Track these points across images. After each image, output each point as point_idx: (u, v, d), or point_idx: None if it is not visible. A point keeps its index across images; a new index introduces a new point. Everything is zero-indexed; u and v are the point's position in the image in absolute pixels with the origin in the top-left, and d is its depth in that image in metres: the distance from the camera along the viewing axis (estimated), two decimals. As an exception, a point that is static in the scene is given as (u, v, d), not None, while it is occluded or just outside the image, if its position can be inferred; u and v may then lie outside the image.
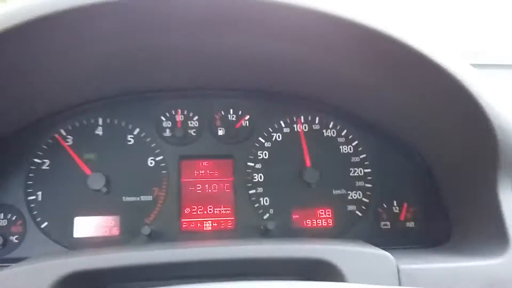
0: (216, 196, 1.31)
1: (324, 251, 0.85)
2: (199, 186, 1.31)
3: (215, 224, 1.29)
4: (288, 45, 1.03)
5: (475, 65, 0.95)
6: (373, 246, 0.90)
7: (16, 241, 1.23)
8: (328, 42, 0.97)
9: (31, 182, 1.26)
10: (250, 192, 1.31)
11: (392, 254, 0.85)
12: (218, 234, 1.28)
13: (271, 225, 1.19)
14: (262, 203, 1.30)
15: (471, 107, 0.91)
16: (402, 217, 1.30)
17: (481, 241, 1.06)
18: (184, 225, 1.28)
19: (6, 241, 1.22)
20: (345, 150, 1.35)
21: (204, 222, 1.29)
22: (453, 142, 1.10)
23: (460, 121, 1.01)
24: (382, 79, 1.10)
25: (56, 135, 1.30)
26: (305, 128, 1.36)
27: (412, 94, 1.08)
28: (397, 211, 1.31)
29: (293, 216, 1.30)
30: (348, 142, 1.36)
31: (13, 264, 0.83)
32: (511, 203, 0.96)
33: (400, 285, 0.82)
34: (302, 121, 1.37)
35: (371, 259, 0.84)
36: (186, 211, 1.29)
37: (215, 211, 1.30)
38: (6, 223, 1.23)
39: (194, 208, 1.30)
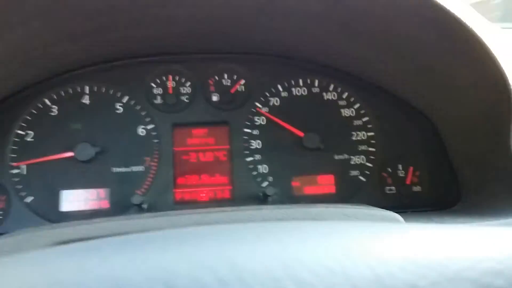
0: (211, 164, 1.24)
1: (328, 214, 0.79)
2: (193, 155, 1.24)
3: (211, 194, 1.22)
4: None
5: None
6: (380, 209, 0.84)
7: (0, 217, 1.15)
8: None
9: (14, 155, 1.19)
10: (248, 159, 1.24)
11: None
12: (215, 204, 1.21)
13: (270, 191, 1.13)
14: (260, 171, 1.23)
15: (490, 66, 0.86)
16: (408, 181, 1.24)
17: (493, 204, 1.01)
18: (178, 196, 1.21)
19: (-11, 217, 1.14)
20: (347, 114, 1.28)
21: (200, 192, 1.22)
22: (466, 104, 1.04)
23: (476, 82, 0.95)
24: (392, 36, 1.03)
25: (40, 105, 1.22)
26: (304, 92, 1.29)
27: (427, 53, 1.01)
28: (402, 175, 1.25)
29: (293, 184, 1.23)
30: (349, 105, 1.29)
31: None
32: None
33: None
34: (301, 84, 1.30)
35: (379, 220, 0.78)
36: (180, 181, 1.22)
37: (211, 181, 1.23)
38: (-12, 199, 1.16)
39: (189, 178, 1.22)
